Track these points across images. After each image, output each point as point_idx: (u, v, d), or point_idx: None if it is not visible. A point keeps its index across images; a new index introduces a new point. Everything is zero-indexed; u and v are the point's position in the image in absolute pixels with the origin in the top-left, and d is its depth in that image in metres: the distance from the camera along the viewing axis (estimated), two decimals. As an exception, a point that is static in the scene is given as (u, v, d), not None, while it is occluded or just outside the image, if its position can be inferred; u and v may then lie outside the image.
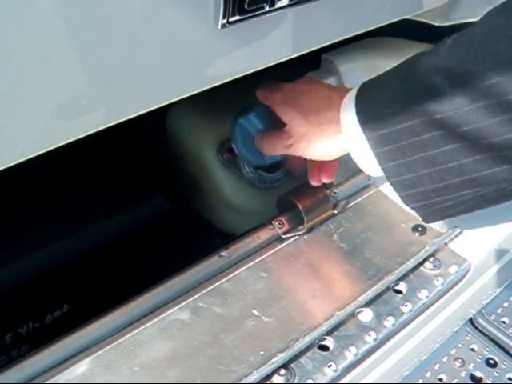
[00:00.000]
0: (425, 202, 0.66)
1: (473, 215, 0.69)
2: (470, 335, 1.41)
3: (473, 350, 1.39)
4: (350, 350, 0.68)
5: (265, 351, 0.66)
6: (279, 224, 0.81)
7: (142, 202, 0.89)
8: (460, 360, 1.33)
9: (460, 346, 1.38)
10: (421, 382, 1.00)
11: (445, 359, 1.07)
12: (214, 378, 0.63)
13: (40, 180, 0.84)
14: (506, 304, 1.48)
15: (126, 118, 0.53)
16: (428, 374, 1.04)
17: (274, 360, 0.65)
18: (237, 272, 0.76)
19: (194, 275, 0.74)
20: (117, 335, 0.68)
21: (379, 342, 0.71)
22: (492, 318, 1.45)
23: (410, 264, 0.77)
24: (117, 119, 0.53)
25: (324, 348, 0.69)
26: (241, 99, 0.83)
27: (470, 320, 1.44)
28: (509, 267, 1.01)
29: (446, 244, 0.83)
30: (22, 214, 0.83)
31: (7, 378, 0.63)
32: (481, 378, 1.13)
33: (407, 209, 0.68)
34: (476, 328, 1.43)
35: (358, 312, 0.73)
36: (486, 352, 1.39)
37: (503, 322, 1.44)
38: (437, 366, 1.08)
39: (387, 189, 0.88)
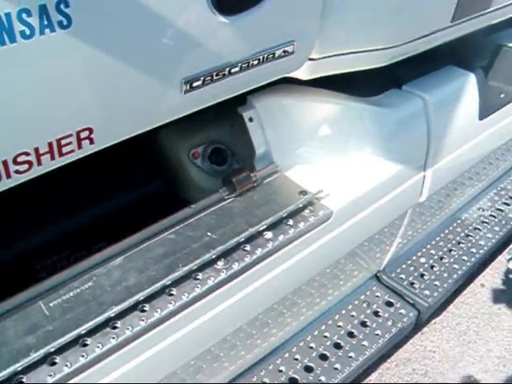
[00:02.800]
0: None
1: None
2: (375, 287, 2.06)
3: (377, 296, 2.04)
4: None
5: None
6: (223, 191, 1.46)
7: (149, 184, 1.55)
8: (366, 303, 1.97)
9: (367, 294, 2.03)
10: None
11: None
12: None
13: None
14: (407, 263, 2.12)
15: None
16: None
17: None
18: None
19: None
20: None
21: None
22: (393, 275, 2.09)
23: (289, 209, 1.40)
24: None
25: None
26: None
27: (376, 276, 2.10)
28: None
29: (317, 199, 1.47)
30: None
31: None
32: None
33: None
34: (380, 282, 2.07)
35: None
36: (385, 297, 2.04)
37: (401, 278, 2.09)
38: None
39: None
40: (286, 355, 1.79)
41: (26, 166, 0.91)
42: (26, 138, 0.89)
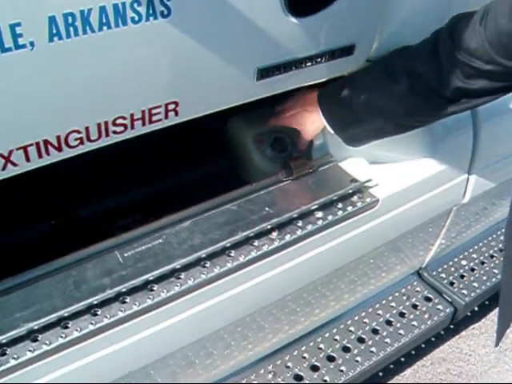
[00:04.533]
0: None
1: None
2: (416, 282, 2.19)
3: (417, 291, 2.18)
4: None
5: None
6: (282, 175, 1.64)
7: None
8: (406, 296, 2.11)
9: (408, 288, 2.16)
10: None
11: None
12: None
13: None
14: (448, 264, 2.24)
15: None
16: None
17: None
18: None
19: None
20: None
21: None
22: (434, 273, 2.22)
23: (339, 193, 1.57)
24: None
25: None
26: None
27: (417, 272, 2.23)
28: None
29: (366, 188, 1.63)
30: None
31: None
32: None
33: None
34: (421, 278, 2.20)
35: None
36: (425, 293, 2.17)
37: (442, 277, 2.22)
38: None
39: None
40: (327, 335, 1.95)
41: (121, 128, 1.11)
42: (124, 103, 1.09)
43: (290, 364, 1.84)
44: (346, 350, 1.94)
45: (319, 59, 1.33)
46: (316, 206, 1.54)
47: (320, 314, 1.89)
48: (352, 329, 2.00)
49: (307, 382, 1.79)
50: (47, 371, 1.18)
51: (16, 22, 0.88)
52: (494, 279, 2.26)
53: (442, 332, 2.48)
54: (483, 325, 2.58)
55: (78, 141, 1.07)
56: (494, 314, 2.59)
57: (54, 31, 0.92)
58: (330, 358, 1.89)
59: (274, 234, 1.46)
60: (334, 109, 1.51)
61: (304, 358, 1.86)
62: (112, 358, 1.27)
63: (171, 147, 1.69)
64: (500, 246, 2.39)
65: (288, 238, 1.46)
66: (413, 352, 2.37)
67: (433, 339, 2.46)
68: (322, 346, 1.93)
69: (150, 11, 1.00)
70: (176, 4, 1.02)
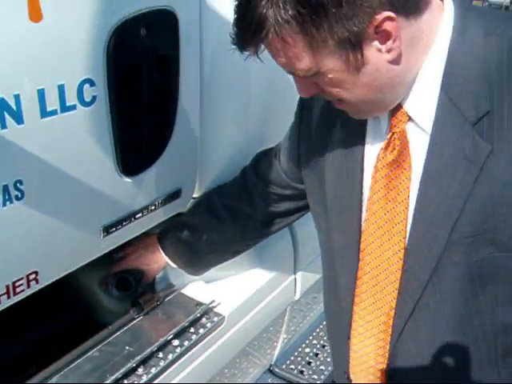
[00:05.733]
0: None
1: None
2: (270, 379, 2.37)
3: (273, 388, 2.34)
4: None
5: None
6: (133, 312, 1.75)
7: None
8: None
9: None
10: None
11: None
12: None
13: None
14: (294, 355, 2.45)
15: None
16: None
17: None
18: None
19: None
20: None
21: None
22: (283, 366, 2.42)
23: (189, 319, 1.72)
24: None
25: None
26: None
27: (269, 370, 2.42)
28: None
29: (211, 308, 1.80)
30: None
31: None
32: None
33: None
34: (274, 374, 2.39)
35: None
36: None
37: (291, 368, 2.42)
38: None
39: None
40: None
41: None
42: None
43: None
44: None
45: (153, 207, 1.51)
46: (171, 336, 1.67)
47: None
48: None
49: None
50: None
51: None
52: (335, 359, 2.51)
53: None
54: None
55: None
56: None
57: None
58: None
59: (140, 370, 1.57)
60: (176, 248, 1.70)
61: None
62: None
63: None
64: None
65: (154, 370, 1.57)
66: None
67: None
68: None
69: (6, 196, 1.12)
70: (28, 187, 1.15)
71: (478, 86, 1.03)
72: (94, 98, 1.22)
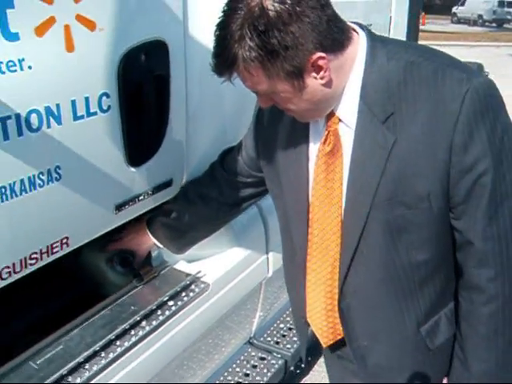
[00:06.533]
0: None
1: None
2: (249, 349, 2.79)
3: (253, 355, 2.76)
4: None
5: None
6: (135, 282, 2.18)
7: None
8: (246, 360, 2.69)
9: (245, 354, 2.75)
10: None
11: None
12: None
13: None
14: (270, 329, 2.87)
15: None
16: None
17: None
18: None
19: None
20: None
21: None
22: (261, 339, 2.84)
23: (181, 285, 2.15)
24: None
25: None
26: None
27: (249, 342, 2.83)
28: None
29: (198, 277, 2.23)
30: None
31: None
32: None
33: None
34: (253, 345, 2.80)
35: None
36: (259, 355, 2.75)
37: (268, 340, 2.83)
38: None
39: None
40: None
41: (34, 261, 1.62)
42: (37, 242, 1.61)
43: None
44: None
45: (151, 192, 1.95)
46: (167, 298, 2.11)
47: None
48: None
49: None
50: None
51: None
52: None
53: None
54: (312, 375, 3.31)
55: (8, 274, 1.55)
56: (318, 366, 3.28)
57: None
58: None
59: (143, 323, 1.99)
60: (161, 230, 2.14)
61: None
62: None
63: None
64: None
65: (154, 323, 2.00)
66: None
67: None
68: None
69: (49, 177, 1.55)
70: (64, 171, 1.59)
71: (384, 95, 1.46)
72: (109, 107, 1.68)
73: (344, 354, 1.79)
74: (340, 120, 1.52)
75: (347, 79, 1.48)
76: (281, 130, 1.67)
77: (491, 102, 1.42)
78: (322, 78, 1.41)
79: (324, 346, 1.78)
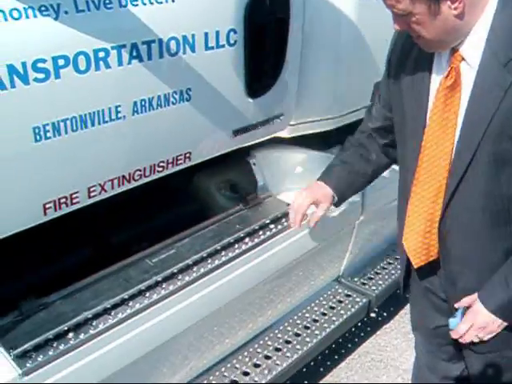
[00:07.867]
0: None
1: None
2: (337, 286, 2.99)
3: (339, 291, 2.96)
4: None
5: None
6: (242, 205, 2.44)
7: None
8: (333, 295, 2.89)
9: (332, 290, 2.95)
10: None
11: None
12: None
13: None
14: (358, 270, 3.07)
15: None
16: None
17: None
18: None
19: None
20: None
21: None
22: (349, 278, 3.03)
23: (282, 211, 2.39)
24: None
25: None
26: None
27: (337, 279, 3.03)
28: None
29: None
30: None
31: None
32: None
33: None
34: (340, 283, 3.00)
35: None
36: (345, 292, 2.96)
37: (355, 280, 3.02)
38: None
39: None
40: (271, 334, 2.67)
41: (161, 168, 1.90)
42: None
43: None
44: (287, 342, 2.65)
45: (265, 123, 2.19)
46: (269, 221, 2.36)
47: (268, 313, 2.64)
48: (289, 328, 2.73)
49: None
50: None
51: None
52: (393, 277, 3.12)
53: (363, 334, 3.29)
54: (392, 325, 3.40)
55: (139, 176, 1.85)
56: (399, 317, 3.41)
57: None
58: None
59: (247, 239, 2.26)
60: (337, 185, 2.14)
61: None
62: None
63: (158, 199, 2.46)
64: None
65: (257, 240, 2.26)
66: (343, 351, 3.16)
67: (356, 340, 3.25)
68: (270, 342, 2.64)
69: (182, 97, 1.81)
70: (194, 93, 1.85)
71: (507, 41, 1.59)
72: (235, 42, 1.93)
73: (432, 286, 1.95)
74: (463, 59, 1.66)
75: (477, 19, 1.60)
76: (408, 66, 1.81)
77: None
78: (455, 9, 1.54)
79: (415, 266, 1.90)
